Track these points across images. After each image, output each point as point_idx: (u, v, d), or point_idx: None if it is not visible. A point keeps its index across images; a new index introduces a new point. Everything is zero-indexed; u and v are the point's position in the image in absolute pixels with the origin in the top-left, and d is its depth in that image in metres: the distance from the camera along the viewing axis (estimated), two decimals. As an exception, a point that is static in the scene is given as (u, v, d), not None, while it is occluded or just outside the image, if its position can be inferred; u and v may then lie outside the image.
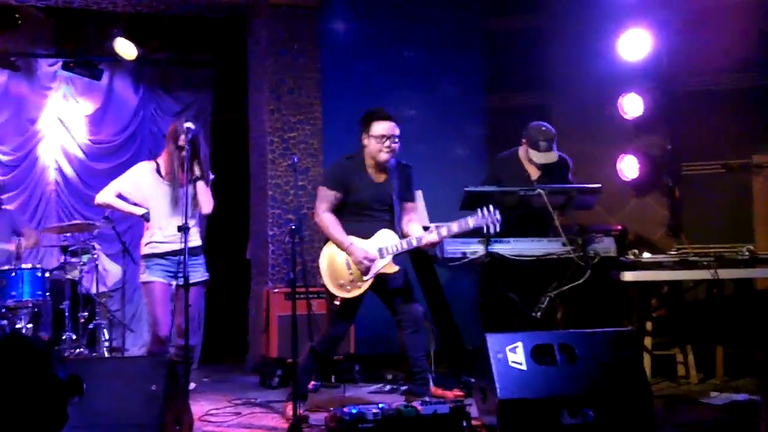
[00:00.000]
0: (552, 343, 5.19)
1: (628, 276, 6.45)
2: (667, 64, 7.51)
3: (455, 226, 5.75)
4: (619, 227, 7.15)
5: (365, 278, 5.74)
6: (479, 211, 5.74)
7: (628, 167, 7.65)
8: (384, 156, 5.81)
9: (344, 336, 6.23)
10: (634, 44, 7.47)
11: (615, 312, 6.96)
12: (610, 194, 7.32)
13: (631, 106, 7.60)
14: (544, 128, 6.67)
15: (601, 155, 7.83)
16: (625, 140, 7.77)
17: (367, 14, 8.66)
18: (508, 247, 6.36)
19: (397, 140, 5.82)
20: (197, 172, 5.92)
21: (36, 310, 7.69)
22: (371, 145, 5.82)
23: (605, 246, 6.39)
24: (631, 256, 6.52)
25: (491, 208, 5.73)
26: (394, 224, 5.89)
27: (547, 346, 5.18)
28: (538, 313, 6.33)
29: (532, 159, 6.65)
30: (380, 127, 5.79)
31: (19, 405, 2.42)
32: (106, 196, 6.20)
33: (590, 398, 5.01)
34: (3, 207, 8.28)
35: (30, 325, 7.56)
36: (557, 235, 6.38)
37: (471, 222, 5.74)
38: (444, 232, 5.77)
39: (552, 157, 6.62)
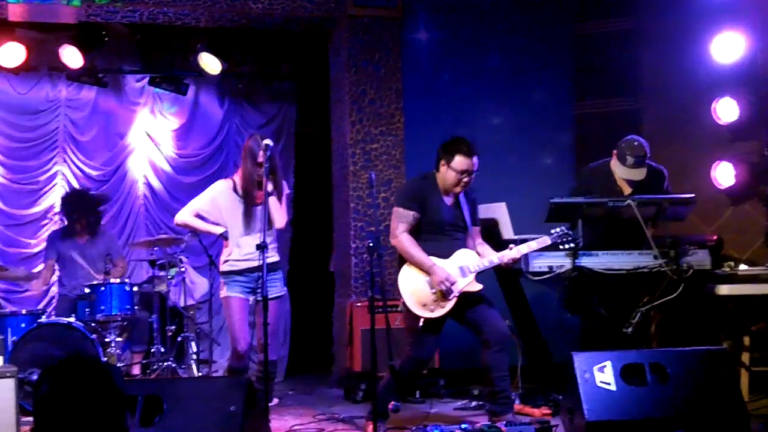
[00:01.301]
0: (642, 363, 5.02)
1: (724, 290, 6.20)
2: (763, 67, 7.18)
3: (534, 244, 5.80)
4: (714, 237, 6.88)
5: (449, 298, 5.64)
6: (558, 228, 5.84)
7: (724, 175, 7.32)
8: (458, 189, 5.82)
9: (430, 359, 6.11)
10: (728, 47, 7.15)
11: (711, 327, 6.69)
12: (704, 203, 7.07)
13: (726, 110, 7.27)
14: (636, 143, 6.41)
15: (694, 162, 7.55)
16: (719, 146, 7.45)
17: (449, 23, 8.54)
18: (597, 261, 6.18)
19: (473, 176, 5.80)
20: (270, 188, 5.87)
21: (125, 324, 7.76)
22: (449, 175, 5.77)
23: (699, 258, 6.17)
24: (727, 269, 6.28)
25: (562, 226, 5.86)
26: (467, 244, 5.87)
27: (637, 366, 5.02)
28: (629, 329, 6.13)
29: (617, 173, 6.44)
30: (462, 163, 5.73)
31: (82, 421, 2.45)
32: (184, 216, 6.24)
33: (683, 420, 4.84)
34: (102, 225, 8.33)
35: (119, 339, 7.64)
36: (648, 247, 6.17)
37: (549, 239, 5.83)
38: (524, 249, 5.79)
39: (637, 174, 6.38)
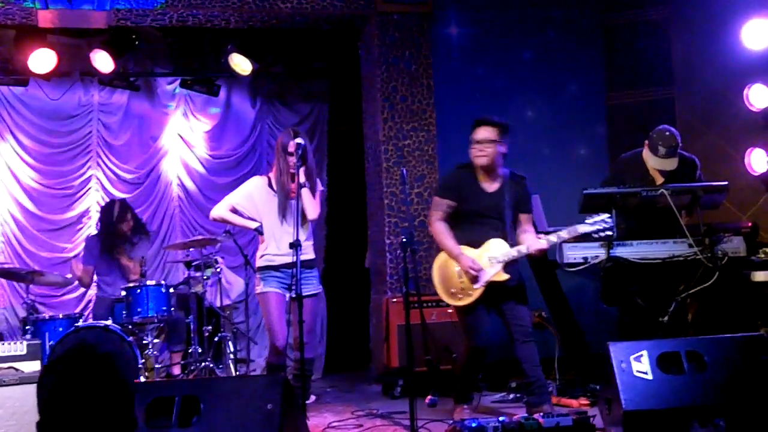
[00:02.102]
0: (679, 351, 4.98)
1: (760, 276, 6.16)
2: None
3: (564, 233, 5.74)
4: (749, 224, 6.81)
5: (475, 287, 5.67)
6: (589, 217, 5.70)
7: (758, 161, 7.27)
8: (479, 160, 5.78)
9: (484, 345, 5.93)
10: (759, 33, 7.09)
11: (748, 314, 6.64)
12: (739, 190, 7.03)
13: (759, 97, 7.21)
14: (668, 134, 6.36)
15: (728, 149, 7.51)
16: (753, 133, 7.39)
17: (479, 17, 8.54)
18: (632, 250, 6.16)
19: (489, 145, 5.73)
20: (303, 179, 5.92)
21: (162, 325, 7.81)
22: (471, 150, 5.80)
23: (734, 245, 6.13)
24: (763, 255, 6.23)
25: (603, 214, 5.68)
26: (506, 233, 5.81)
27: (673, 354, 4.98)
28: (666, 318, 6.09)
29: (649, 163, 6.40)
30: (475, 132, 5.79)
31: (87, 413, 2.40)
32: (220, 210, 6.29)
33: (721, 408, 4.79)
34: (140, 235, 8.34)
35: (157, 340, 7.68)
36: (683, 236, 6.13)
37: (580, 229, 5.68)
38: (553, 238, 5.75)
39: (669, 164, 6.33)
